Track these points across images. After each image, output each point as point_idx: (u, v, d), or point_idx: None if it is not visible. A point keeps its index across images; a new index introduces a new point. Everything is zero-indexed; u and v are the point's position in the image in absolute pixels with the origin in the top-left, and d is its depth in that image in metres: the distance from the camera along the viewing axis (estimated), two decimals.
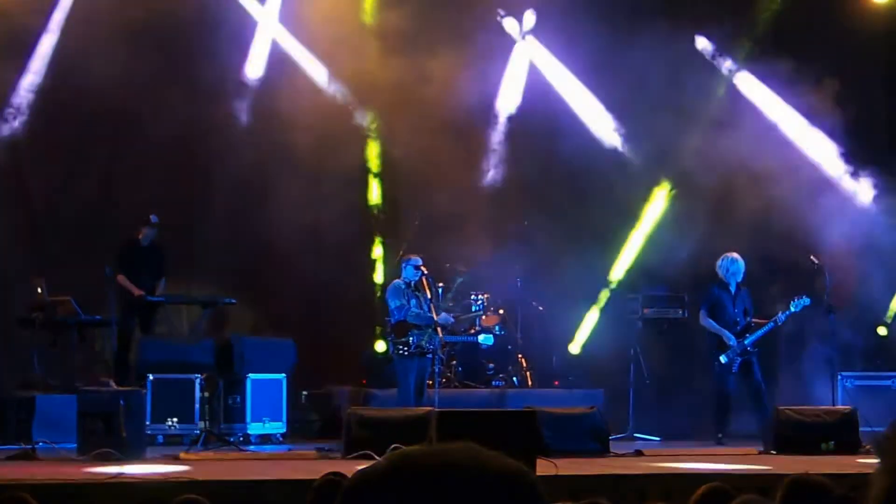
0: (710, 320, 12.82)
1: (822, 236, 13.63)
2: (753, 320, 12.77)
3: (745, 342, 12.67)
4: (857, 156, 14.71)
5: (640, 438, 13.32)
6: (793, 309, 12.58)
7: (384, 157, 15.07)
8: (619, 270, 15.35)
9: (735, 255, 12.86)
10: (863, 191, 14.73)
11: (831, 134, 14.80)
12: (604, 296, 15.31)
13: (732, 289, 12.82)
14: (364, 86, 14.75)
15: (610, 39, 14.06)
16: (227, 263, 14.35)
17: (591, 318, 15.30)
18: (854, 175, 14.79)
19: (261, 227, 14.17)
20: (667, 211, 15.29)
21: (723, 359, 12.69)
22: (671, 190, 15.13)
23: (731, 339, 12.66)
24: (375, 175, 15.14)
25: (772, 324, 12.66)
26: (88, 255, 13.34)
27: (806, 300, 12.61)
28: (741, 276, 12.80)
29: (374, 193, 15.17)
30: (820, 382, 12.84)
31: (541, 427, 10.45)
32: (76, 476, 8.68)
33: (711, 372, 12.86)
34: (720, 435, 12.58)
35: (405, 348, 12.14)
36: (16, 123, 13.98)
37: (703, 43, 15.27)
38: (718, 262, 12.88)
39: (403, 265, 12.44)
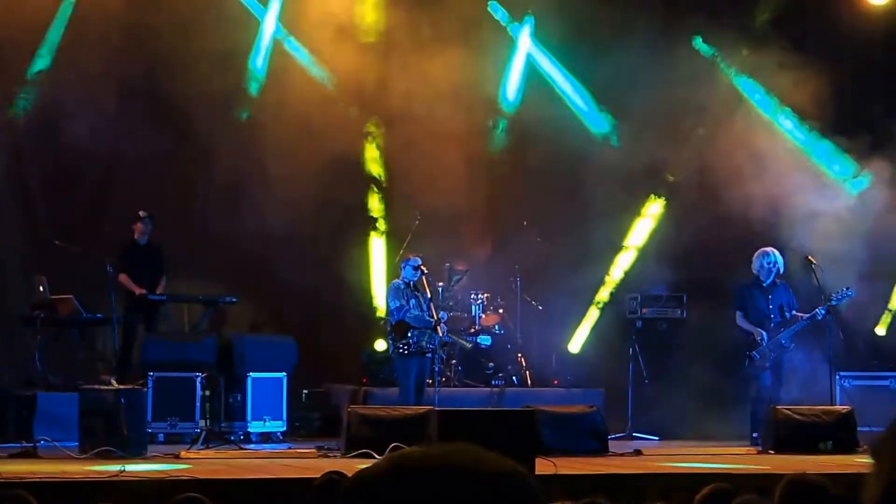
0: (744, 320, 12.59)
1: (821, 236, 13.63)
2: (796, 314, 12.49)
3: (780, 338, 12.42)
4: (855, 154, 14.71)
5: (638, 438, 13.34)
6: (834, 302, 12.34)
7: (383, 155, 15.08)
8: (618, 270, 15.37)
9: (769, 249, 12.64)
10: (860, 187, 14.72)
11: (829, 133, 14.81)
12: (603, 295, 15.32)
13: (766, 284, 12.55)
14: (364, 85, 14.76)
15: (608, 40, 14.09)
16: (228, 262, 14.36)
17: (591, 317, 15.32)
18: (853, 172, 14.79)
19: (261, 225, 14.18)
20: (663, 211, 15.31)
21: (755, 355, 12.43)
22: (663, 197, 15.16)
23: (762, 336, 12.41)
24: (375, 174, 15.14)
25: (808, 318, 12.36)
26: (90, 253, 13.35)
27: (850, 292, 12.40)
28: (778, 269, 12.52)
29: (374, 192, 15.17)
30: (818, 382, 12.82)
31: (540, 426, 10.48)
32: (77, 474, 8.69)
33: (741, 370, 12.61)
34: (755, 434, 12.30)
35: (405, 348, 12.17)
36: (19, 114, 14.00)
37: (700, 43, 15.27)
38: (753, 259, 12.65)
39: (402, 265, 12.46)
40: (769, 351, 12.45)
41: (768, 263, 12.54)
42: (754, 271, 12.66)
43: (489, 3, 15.42)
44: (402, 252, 13.33)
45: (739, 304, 12.70)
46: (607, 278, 15.35)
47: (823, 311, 12.36)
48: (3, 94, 14.07)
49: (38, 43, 14.14)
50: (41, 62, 14.10)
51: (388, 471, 1.80)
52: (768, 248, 12.68)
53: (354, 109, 14.83)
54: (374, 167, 15.11)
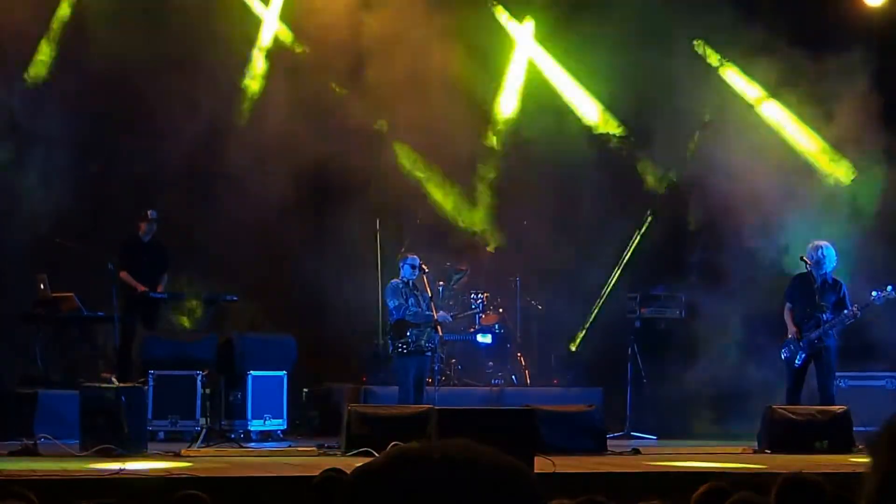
0: (787, 314, 12.26)
1: (819, 237, 13.64)
2: (844, 312, 12.05)
3: (812, 336, 12.07)
4: (851, 155, 14.74)
5: (637, 437, 13.37)
6: (875, 301, 12.11)
7: (384, 154, 15.08)
8: (617, 270, 15.38)
9: (821, 242, 12.20)
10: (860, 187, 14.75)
11: (826, 132, 14.83)
12: (602, 295, 15.33)
13: (817, 279, 12.09)
14: (364, 84, 14.77)
15: (609, 42, 14.12)
16: (229, 260, 14.37)
17: (590, 317, 15.32)
18: (850, 172, 14.80)
19: (262, 224, 14.20)
20: (663, 210, 15.33)
21: (783, 353, 12.18)
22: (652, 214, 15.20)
23: (792, 335, 12.09)
24: (376, 173, 15.14)
25: (847, 319, 12.06)
26: (91, 251, 13.36)
27: (890, 291, 12.09)
28: (830, 265, 12.09)
29: (375, 192, 15.16)
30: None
31: (539, 425, 10.51)
32: (78, 472, 8.71)
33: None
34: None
35: (404, 347, 12.17)
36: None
37: (701, 47, 15.28)
38: (807, 251, 12.20)
39: (401, 264, 12.46)
40: (797, 349, 12.10)
41: (818, 256, 12.06)
42: (809, 263, 12.12)
43: (494, 6, 15.42)
44: (402, 251, 13.33)
45: (788, 295, 12.31)
46: (607, 278, 15.36)
47: (860, 312, 12.13)
48: (4, 91, 14.09)
49: (38, 39, 14.19)
50: (41, 60, 14.14)
51: (387, 466, 1.81)
52: (821, 241, 12.23)
53: (356, 109, 14.84)
54: (375, 167, 15.09)
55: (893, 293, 12.14)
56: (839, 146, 14.67)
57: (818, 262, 12.12)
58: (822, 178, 14.75)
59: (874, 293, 12.18)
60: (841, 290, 12.27)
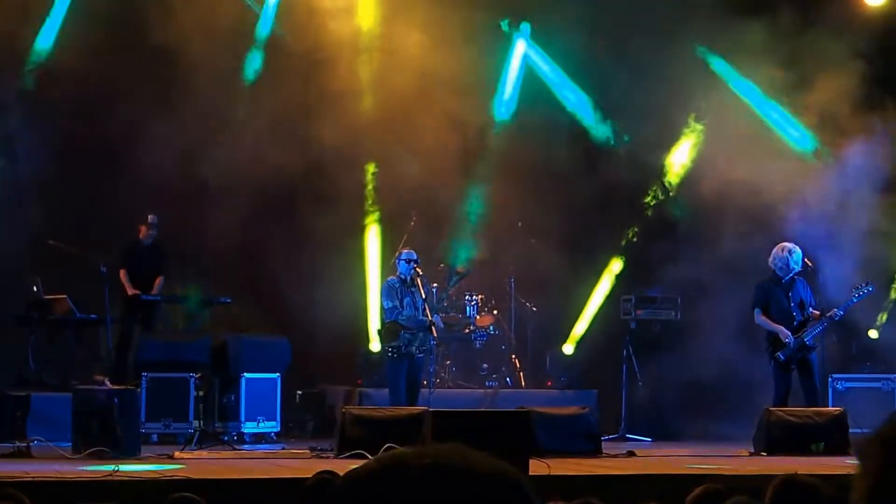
0: (764, 318, 12.11)
1: (819, 237, 13.66)
2: (813, 312, 12.11)
3: (804, 338, 12.01)
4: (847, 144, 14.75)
5: (631, 439, 13.37)
6: (855, 300, 12.09)
7: (380, 155, 15.07)
8: (612, 271, 15.38)
9: (788, 244, 12.21)
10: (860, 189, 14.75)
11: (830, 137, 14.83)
12: (598, 296, 15.32)
13: (785, 280, 12.10)
14: (362, 86, 14.77)
15: (608, 45, 14.12)
16: (223, 262, 14.36)
17: (585, 318, 15.31)
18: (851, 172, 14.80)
19: (257, 225, 14.19)
20: (659, 213, 15.33)
21: (780, 356, 12.00)
22: (659, 194, 15.18)
23: (788, 337, 11.96)
24: (372, 173, 15.14)
25: (826, 320, 12.06)
26: (84, 253, 13.34)
27: (869, 288, 12.08)
28: (798, 266, 12.09)
29: (370, 192, 15.17)
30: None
31: (533, 427, 10.50)
32: (70, 474, 8.69)
33: (772, 371, 12.16)
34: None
35: (394, 351, 12.12)
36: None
37: (699, 49, 15.29)
38: (771, 255, 12.21)
39: (397, 260, 12.43)
40: (794, 352, 12.05)
41: (791, 259, 12.06)
42: (772, 267, 12.18)
43: (493, 7, 15.42)
44: (405, 237, 13.32)
45: (759, 301, 12.20)
46: (602, 279, 15.35)
47: (842, 312, 12.10)
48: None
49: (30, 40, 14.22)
50: (34, 57, 14.16)
51: (378, 471, 1.80)
52: (787, 244, 12.23)
53: (353, 110, 14.84)
54: (371, 166, 15.09)
55: (872, 288, 12.17)
56: (836, 138, 14.68)
57: (791, 265, 12.10)
58: (818, 171, 14.74)
59: (853, 292, 12.16)
60: (808, 290, 12.30)
